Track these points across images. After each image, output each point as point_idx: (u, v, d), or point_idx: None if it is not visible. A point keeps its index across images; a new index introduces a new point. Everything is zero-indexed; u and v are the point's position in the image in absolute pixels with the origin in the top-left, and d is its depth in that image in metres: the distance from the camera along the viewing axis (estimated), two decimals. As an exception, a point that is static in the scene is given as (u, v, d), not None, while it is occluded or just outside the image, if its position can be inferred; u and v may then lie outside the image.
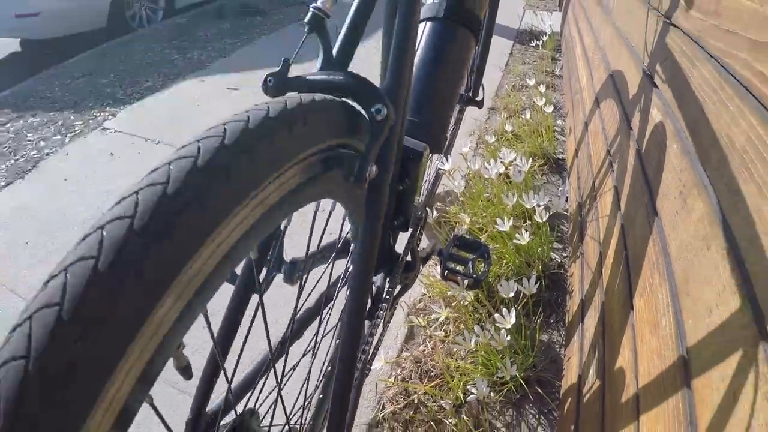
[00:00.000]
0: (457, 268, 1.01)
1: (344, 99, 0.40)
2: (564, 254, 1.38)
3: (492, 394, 1.00)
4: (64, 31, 3.35)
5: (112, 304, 0.23)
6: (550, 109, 1.95)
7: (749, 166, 0.47)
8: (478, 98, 1.35)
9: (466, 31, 0.73)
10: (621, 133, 1.02)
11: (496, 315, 1.00)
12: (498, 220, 1.18)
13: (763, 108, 0.46)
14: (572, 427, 0.81)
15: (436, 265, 1.32)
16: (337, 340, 0.68)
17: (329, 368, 0.69)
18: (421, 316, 1.20)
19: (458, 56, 0.72)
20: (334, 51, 0.46)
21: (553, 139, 1.97)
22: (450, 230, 1.42)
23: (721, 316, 0.45)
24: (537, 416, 0.98)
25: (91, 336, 0.22)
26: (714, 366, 0.44)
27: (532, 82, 2.30)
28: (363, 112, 0.40)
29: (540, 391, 1.01)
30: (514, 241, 1.16)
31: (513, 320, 0.99)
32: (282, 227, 0.50)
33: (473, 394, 0.98)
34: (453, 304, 1.19)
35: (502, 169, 1.42)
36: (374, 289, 0.76)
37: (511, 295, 1.05)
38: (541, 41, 3.28)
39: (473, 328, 1.04)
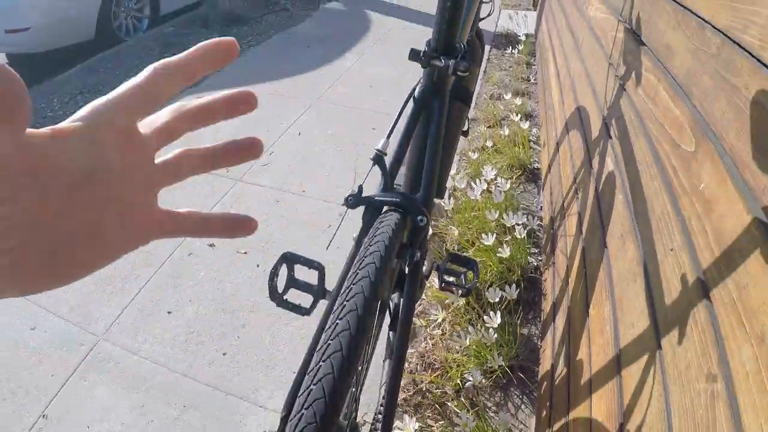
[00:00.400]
0: (452, 279, 1.24)
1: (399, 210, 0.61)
2: (539, 258, 1.62)
3: (484, 381, 1.25)
4: (54, 45, 3.42)
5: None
6: (526, 124, 2.18)
7: (662, 231, 0.70)
8: (464, 128, 1.57)
9: (462, 104, 0.94)
10: (584, 167, 1.25)
11: (485, 317, 1.24)
12: (483, 235, 1.41)
13: (674, 196, 0.69)
14: (547, 404, 1.06)
15: (433, 277, 1.55)
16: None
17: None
18: (422, 318, 1.43)
19: (456, 126, 0.93)
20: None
21: (529, 148, 2.21)
22: (441, 241, 1.65)
23: (639, 330, 0.68)
24: (521, 396, 1.23)
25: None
26: (634, 363, 0.67)
27: (508, 96, 2.53)
28: (410, 219, 0.61)
29: (522, 377, 1.26)
30: (497, 254, 1.39)
31: (499, 320, 1.23)
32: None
33: (470, 381, 1.22)
34: (449, 308, 1.42)
35: (485, 186, 1.65)
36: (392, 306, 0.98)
37: (497, 299, 1.28)
38: (516, 49, 3.49)
39: (467, 328, 1.27)
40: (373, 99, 2.73)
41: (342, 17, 4.29)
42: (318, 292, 1.03)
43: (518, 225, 1.44)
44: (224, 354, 1.27)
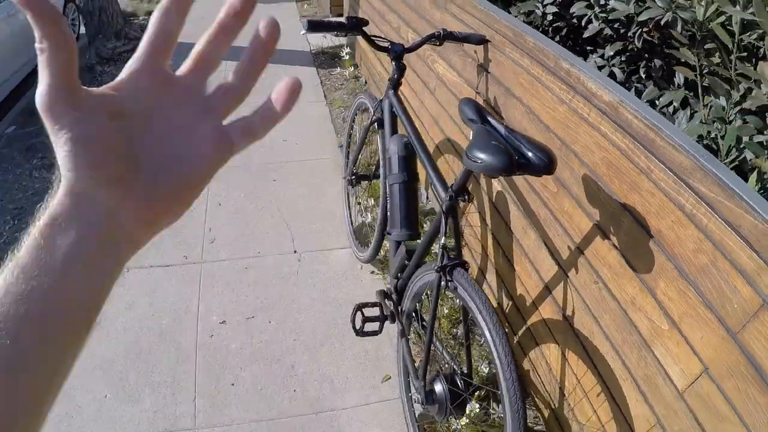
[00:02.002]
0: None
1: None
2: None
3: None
4: None
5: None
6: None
7: (549, 226, 1.46)
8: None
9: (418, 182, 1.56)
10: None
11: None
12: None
13: (550, 210, 1.45)
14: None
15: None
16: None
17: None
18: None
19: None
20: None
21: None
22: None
23: (550, 270, 1.45)
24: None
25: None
26: (557, 285, 1.44)
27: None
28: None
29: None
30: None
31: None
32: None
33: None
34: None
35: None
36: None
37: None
38: (340, 70, 4.06)
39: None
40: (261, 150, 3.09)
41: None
42: (381, 318, 1.60)
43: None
44: (294, 391, 1.72)
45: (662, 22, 1.20)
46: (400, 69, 1.67)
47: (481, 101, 1.79)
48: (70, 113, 0.25)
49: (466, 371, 1.36)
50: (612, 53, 1.56)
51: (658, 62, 1.45)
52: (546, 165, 1.00)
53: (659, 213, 1.03)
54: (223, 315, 1.97)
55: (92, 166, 0.26)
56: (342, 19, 1.60)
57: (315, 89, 3.89)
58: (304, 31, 1.56)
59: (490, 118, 1.14)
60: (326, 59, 4.35)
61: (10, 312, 0.23)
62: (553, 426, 1.49)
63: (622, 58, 1.60)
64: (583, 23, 1.63)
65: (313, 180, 2.81)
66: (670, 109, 1.29)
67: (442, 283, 1.25)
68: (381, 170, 1.84)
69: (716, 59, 1.09)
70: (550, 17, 1.75)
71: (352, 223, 2.34)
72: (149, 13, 4.24)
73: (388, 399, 1.67)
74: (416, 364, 1.45)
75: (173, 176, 0.28)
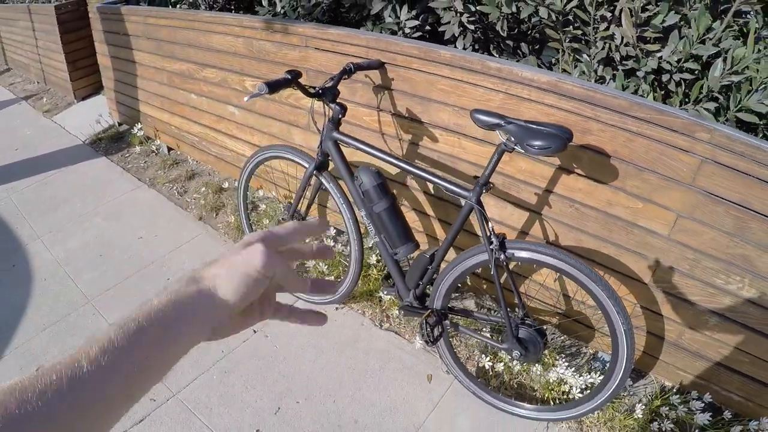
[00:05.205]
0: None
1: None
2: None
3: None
4: None
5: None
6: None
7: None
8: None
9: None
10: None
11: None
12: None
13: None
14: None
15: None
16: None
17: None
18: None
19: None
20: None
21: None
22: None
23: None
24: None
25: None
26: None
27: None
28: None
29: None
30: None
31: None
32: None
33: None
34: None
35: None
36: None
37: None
38: (131, 149, 3.60)
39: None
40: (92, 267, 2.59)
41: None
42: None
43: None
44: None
45: (527, 16, 1.73)
46: (343, 108, 1.80)
47: (389, 115, 2.07)
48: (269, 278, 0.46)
49: (527, 313, 1.70)
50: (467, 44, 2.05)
51: (510, 42, 2.02)
52: (570, 136, 1.40)
53: (612, 140, 1.56)
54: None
55: (244, 304, 0.45)
56: (287, 75, 1.65)
57: (124, 176, 3.39)
58: (256, 94, 1.57)
59: (508, 116, 1.45)
60: (109, 144, 3.78)
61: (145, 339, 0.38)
62: (567, 326, 1.99)
63: (476, 46, 2.11)
64: (440, 29, 2.06)
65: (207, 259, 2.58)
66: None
67: (501, 256, 1.54)
68: (344, 207, 1.95)
69: (578, 32, 1.68)
70: (407, 30, 2.13)
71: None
72: None
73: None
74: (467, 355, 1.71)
75: (248, 318, 0.49)
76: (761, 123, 1.63)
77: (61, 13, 4.18)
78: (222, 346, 2.03)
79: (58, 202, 3.11)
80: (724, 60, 1.48)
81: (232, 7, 3.21)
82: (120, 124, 3.99)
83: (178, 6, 3.15)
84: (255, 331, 2.13)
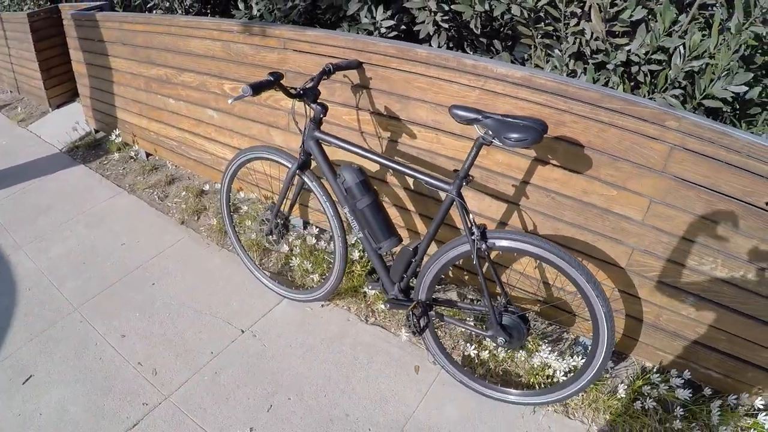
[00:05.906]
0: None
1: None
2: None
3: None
4: None
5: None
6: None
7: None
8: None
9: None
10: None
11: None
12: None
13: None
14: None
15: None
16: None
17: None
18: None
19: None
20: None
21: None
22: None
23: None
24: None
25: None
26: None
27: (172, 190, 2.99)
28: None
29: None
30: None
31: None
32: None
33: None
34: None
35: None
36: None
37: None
38: (110, 156, 3.55)
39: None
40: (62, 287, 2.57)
41: None
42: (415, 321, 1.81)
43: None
44: None
45: (500, 14, 1.77)
46: (324, 108, 1.83)
47: (368, 114, 2.10)
48: None
49: (509, 301, 1.75)
50: (442, 43, 2.10)
51: (484, 40, 2.06)
52: (545, 128, 1.44)
53: (585, 131, 1.61)
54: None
55: None
56: (269, 77, 1.67)
57: (103, 184, 3.36)
58: (240, 96, 1.60)
59: (485, 111, 1.49)
60: (86, 151, 3.75)
61: None
62: (547, 311, 2.05)
63: (450, 44, 2.16)
64: (414, 28, 2.10)
65: (191, 262, 2.58)
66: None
67: (482, 246, 1.58)
68: (327, 204, 1.97)
69: (549, 28, 1.73)
70: (383, 30, 2.16)
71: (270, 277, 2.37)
72: None
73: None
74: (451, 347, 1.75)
75: None
76: (726, 110, 1.71)
77: (34, 20, 4.11)
78: (211, 347, 2.03)
79: (39, 212, 3.07)
80: (684, 46, 1.55)
81: (208, 11, 3.21)
82: (97, 132, 3.95)
83: (153, 11, 3.13)
84: (243, 331, 2.14)
